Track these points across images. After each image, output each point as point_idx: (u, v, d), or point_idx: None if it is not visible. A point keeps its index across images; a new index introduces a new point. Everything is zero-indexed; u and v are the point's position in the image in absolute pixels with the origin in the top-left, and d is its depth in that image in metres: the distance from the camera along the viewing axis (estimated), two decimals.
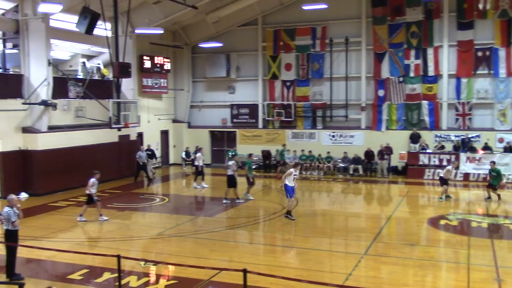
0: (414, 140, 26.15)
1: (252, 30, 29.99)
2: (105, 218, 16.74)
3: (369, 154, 26.30)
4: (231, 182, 19.54)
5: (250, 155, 21.80)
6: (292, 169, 16.64)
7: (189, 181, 25.06)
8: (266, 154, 28.50)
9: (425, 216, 17.31)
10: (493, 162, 20.39)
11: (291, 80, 29.28)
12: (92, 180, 16.68)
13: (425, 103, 26.61)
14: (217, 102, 31.27)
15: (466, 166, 24.31)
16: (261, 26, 29.68)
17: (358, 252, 13.01)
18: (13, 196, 11.63)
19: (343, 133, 28.14)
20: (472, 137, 25.45)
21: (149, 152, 25.80)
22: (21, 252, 12.49)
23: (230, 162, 20.28)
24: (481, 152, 24.46)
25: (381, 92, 27.46)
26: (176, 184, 26.05)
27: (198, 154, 23.64)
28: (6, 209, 11.26)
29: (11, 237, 11.31)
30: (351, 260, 12.34)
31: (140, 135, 28.03)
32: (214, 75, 30.48)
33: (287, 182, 16.37)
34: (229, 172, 19.66)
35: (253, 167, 28.50)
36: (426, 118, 26.60)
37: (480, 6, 23.61)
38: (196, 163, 23.65)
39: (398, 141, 26.54)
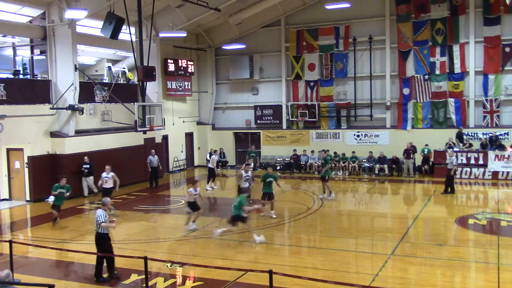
0: (461, 139, 25.18)
1: (275, 31, 29.98)
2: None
3: (394, 161, 26.09)
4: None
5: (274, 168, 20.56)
6: (242, 171, 16.63)
7: (214, 183, 25.13)
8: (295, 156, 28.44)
9: (453, 216, 17.06)
10: (324, 151, 21.41)
11: (314, 80, 29.18)
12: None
13: (451, 100, 26.21)
14: (240, 104, 31.35)
15: (494, 164, 23.87)
16: (284, 27, 29.65)
17: (384, 252, 12.90)
18: (108, 199, 11.90)
19: (368, 133, 27.93)
20: (500, 134, 24.97)
21: (87, 167, 21.91)
22: (51, 255, 12.76)
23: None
24: (510, 149, 23.98)
25: (406, 91, 27.16)
26: (201, 186, 26.13)
27: (213, 157, 23.96)
28: (99, 211, 11.44)
29: (100, 240, 11.45)
30: (377, 261, 12.23)
31: (165, 137, 28.28)
32: (238, 77, 30.57)
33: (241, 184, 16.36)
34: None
35: (277, 167, 28.65)
36: (453, 116, 26.19)
37: (507, 0, 23.13)
38: (210, 166, 23.55)
39: (424, 139, 26.20)
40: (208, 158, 29.62)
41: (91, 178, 21.81)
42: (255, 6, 27.12)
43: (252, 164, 21.52)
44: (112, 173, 18.24)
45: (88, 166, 21.85)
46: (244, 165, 19.02)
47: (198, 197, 15.95)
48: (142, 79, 21.34)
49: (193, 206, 15.73)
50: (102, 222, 11.29)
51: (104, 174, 18.30)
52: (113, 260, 11.52)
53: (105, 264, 11.48)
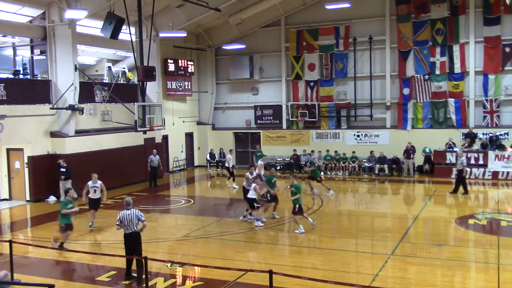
0: (471, 140, 24.95)
1: (275, 31, 29.97)
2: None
3: (394, 161, 26.09)
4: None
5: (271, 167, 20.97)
6: (248, 173, 17.65)
7: (213, 183, 25.18)
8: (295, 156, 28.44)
9: (453, 216, 17.06)
10: (309, 154, 22.22)
11: (314, 80, 29.17)
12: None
13: (451, 100, 26.21)
14: (240, 104, 31.34)
15: (494, 165, 23.86)
16: (284, 27, 29.64)
17: (384, 252, 12.89)
18: (130, 199, 11.70)
19: (368, 133, 27.92)
20: (500, 134, 24.97)
21: (63, 170, 20.48)
22: (51, 255, 12.70)
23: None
24: (510, 149, 23.97)
25: (406, 91, 27.15)
26: (201, 185, 26.21)
27: (228, 156, 24.28)
28: (135, 211, 11.33)
29: (137, 239, 11.37)
30: (377, 261, 12.23)
31: (165, 137, 28.28)
32: (238, 77, 30.56)
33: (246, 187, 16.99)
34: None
35: (278, 167, 28.66)
36: (453, 116, 26.18)
37: (507, 0, 23.12)
38: (226, 165, 24.13)
39: (424, 139, 26.19)
40: (208, 158, 29.93)
41: (69, 181, 20.26)
42: (255, 6, 27.10)
43: (263, 163, 21.64)
44: (100, 182, 16.20)
45: (64, 170, 20.40)
46: (252, 167, 19.58)
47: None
48: (142, 79, 21.33)
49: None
50: (145, 220, 11.28)
51: (90, 183, 16.14)
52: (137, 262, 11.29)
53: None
